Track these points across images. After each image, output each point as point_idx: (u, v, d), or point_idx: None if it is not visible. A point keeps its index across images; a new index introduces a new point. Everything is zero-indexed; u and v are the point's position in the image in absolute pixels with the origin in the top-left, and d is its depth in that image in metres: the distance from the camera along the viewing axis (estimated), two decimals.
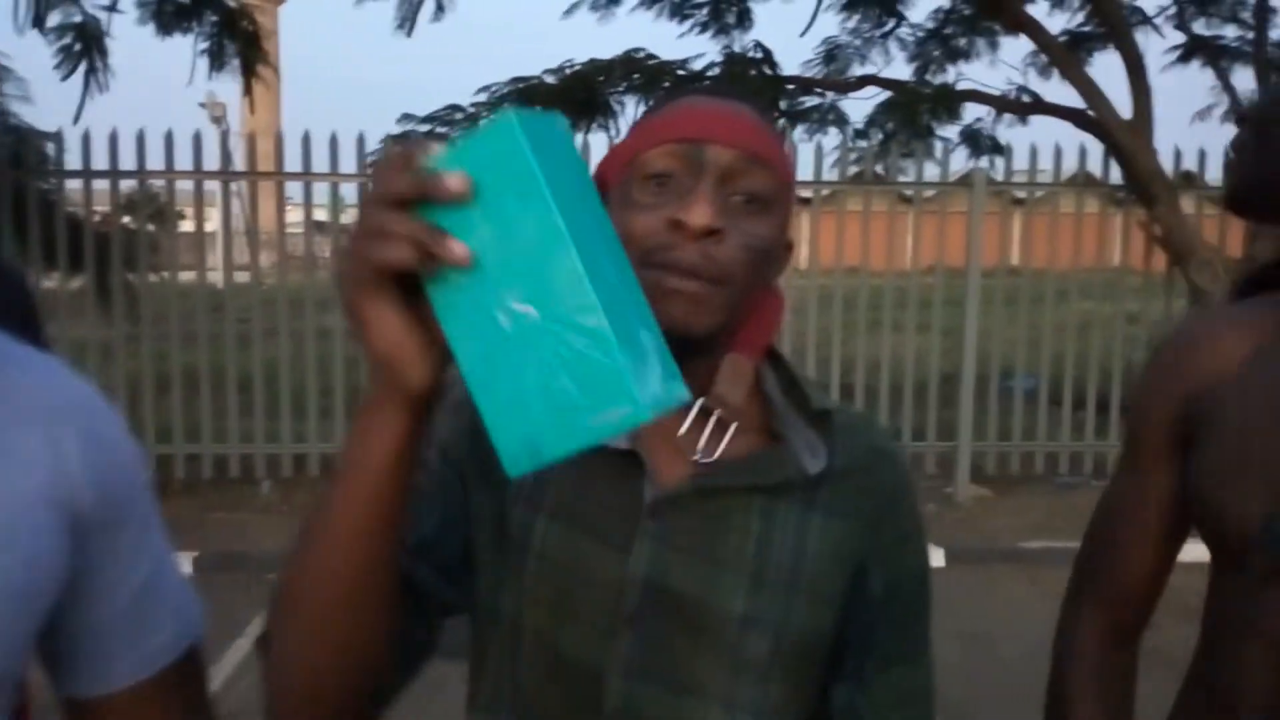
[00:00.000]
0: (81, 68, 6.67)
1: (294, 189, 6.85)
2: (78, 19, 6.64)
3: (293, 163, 6.50)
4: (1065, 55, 7.14)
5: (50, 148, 6.49)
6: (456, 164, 0.60)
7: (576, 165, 0.64)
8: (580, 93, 7.32)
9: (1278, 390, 0.96)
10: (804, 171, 6.75)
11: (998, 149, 7.52)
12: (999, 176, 7.06)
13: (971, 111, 7.70)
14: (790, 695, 0.89)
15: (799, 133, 7.95)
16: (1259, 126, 1.06)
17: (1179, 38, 7.98)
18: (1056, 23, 8.96)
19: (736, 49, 7.96)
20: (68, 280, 6.45)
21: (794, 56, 8.39)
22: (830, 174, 6.83)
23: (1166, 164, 6.65)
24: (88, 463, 0.79)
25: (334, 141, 6.45)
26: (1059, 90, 7.49)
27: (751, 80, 7.30)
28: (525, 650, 0.87)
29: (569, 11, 8.09)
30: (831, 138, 7.99)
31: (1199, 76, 8.05)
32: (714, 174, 0.82)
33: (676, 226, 0.80)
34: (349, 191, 6.87)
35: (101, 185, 6.41)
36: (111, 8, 6.71)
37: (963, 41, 8.37)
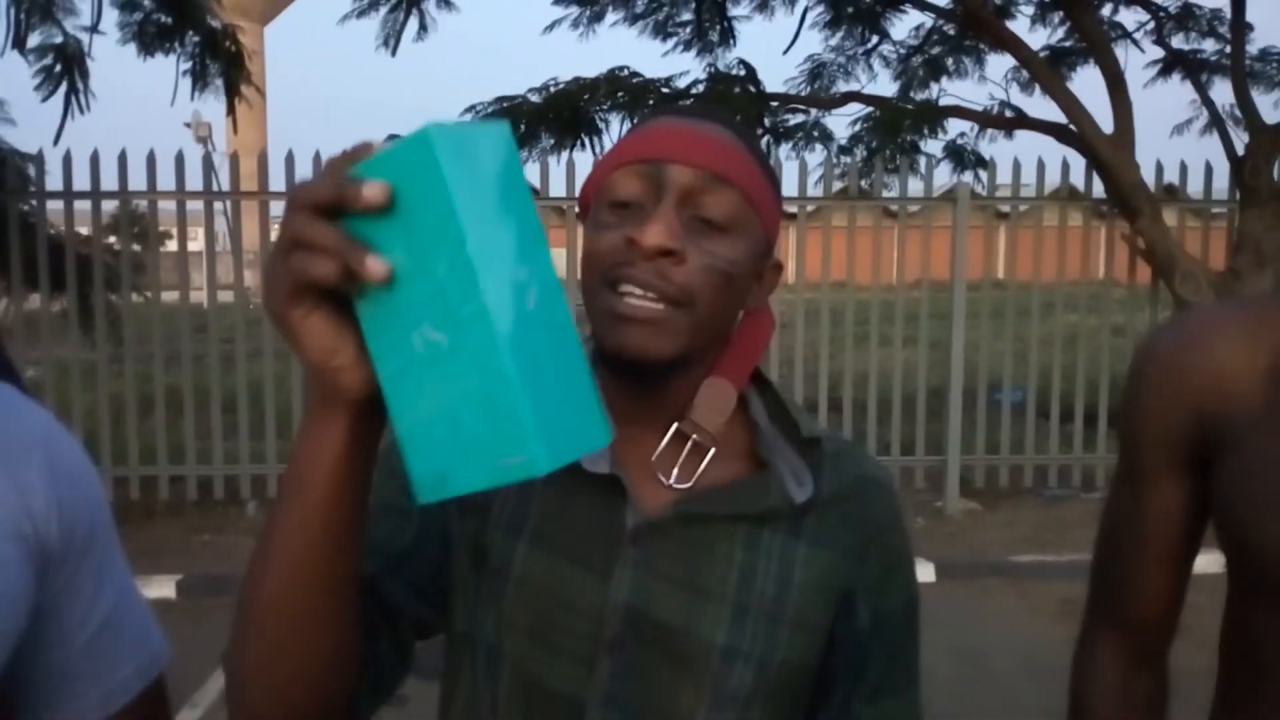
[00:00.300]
0: (62, 89, 6.65)
1: (278, 208, 6.82)
2: (58, 40, 6.62)
3: (277, 182, 6.48)
4: (1046, 71, 7.20)
5: (31, 169, 6.45)
6: (380, 174, 0.56)
7: (511, 183, 0.60)
8: (565, 111, 7.34)
9: None
10: (789, 187, 6.77)
11: (981, 163, 7.58)
12: (983, 191, 7.09)
13: (955, 127, 7.76)
14: None
15: (784, 149, 7.99)
16: None
17: (1158, 53, 8.07)
18: (1037, 38, 9.04)
19: (720, 67, 8.00)
20: (50, 302, 6.40)
21: (779, 74, 8.45)
22: (815, 190, 6.85)
23: (1148, 177, 6.70)
24: (51, 495, 0.78)
25: (317, 160, 6.42)
26: (1041, 105, 7.56)
27: (735, 98, 7.33)
28: (503, 677, 0.85)
29: (549, 28, 8.12)
30: (816, 154, 7.99)
31: (1179, 91, 8.14)
32: (674, 194, 0.80)
33: (632, 245, 0.79)
34: None
35: (83, 206, 6.37)
36: (93, 29, 6.70)
37: (947, 58, 8.44)
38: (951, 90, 8.07)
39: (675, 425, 0.87)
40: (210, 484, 6.55)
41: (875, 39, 8.39)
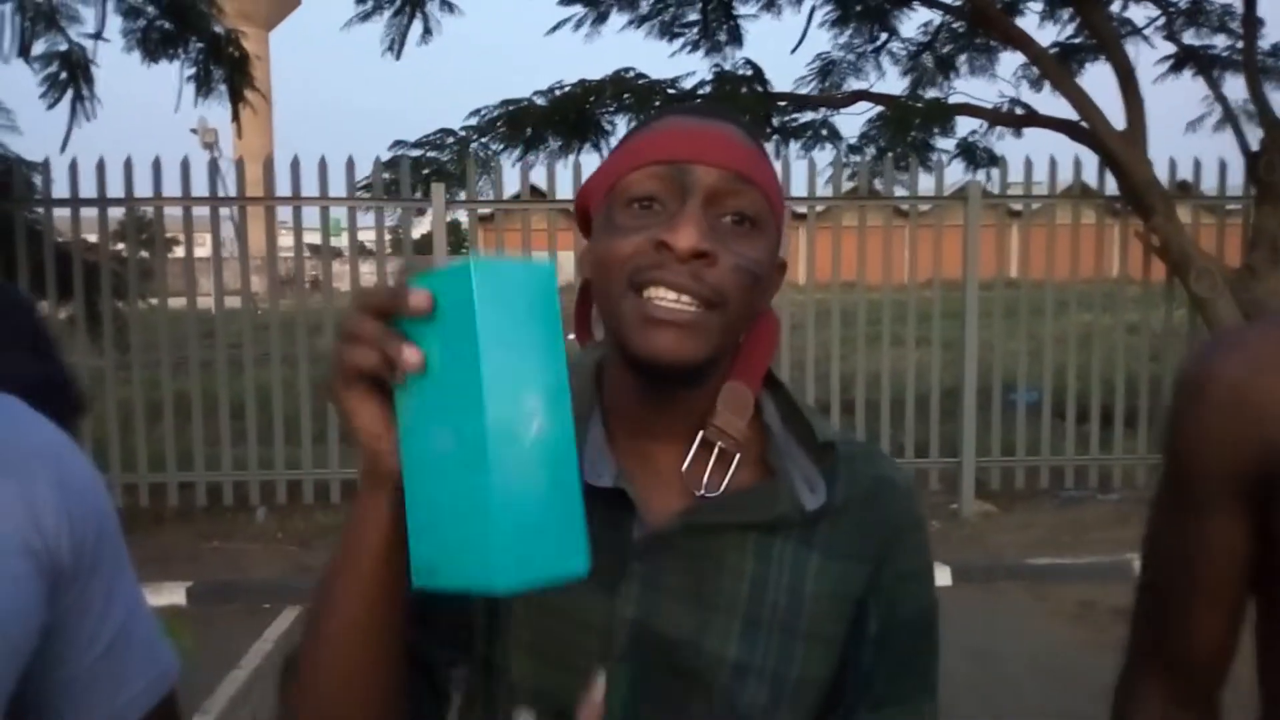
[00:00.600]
0: (68, 96, 6.65)
1: (284, 213, 6.81)
2: (63, 47, 6.63)
3: (282, 187, 6.46)
4: (1056, 67, 7.15)
5: (37, 177, 6.44)
6: (428, 287, 0.64)
7: (542, 317, 0.64)
8: (571, 114, 7.31)
9: None
10: (799, 187, 6.72)
11: (993, 161, 7.52)
12: (995, 189, 7.03)
13: (965, 125, 7.71)
14: None
15: (793, 149, 7.95)
16: None
17: (1169, 48, 8.01)
18: (1047, 35, 8.98)
19: (728, 67, 7.96)
20: (57, 309, 6.39)
21: (788, 73, 8.41)
22: (825, 190, 6.80)
23: (1161, 174, 6.65)
24: (61, 510, 0.77)
25: (323, 165, 6.41)
26: (1052, 102, 7.50)
27: (742, 98, 7.29)
28: (515, 697, 0.84)
29: (553, 30, 8.09)
30: (826, 154, 7.95)
31: (1191, 87, 8.07)
32: (700, 195, 0.79)
33: (663, 248, 0.77)
34: (339, 215, 6.84)
35: (90, 213, 6.36)
36: (97, 36, 6.70)
37: (956, 56, 8.40)
38: (961, 88, 8.02)
39: (701, 433, 0.85)
40: (219, 490, 6.53)
41: (884, 36, 8.35)
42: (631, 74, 7.45)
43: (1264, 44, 7.48)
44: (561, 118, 7.32)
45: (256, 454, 6.49)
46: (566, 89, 7.41)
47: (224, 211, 6.66)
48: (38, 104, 6.54)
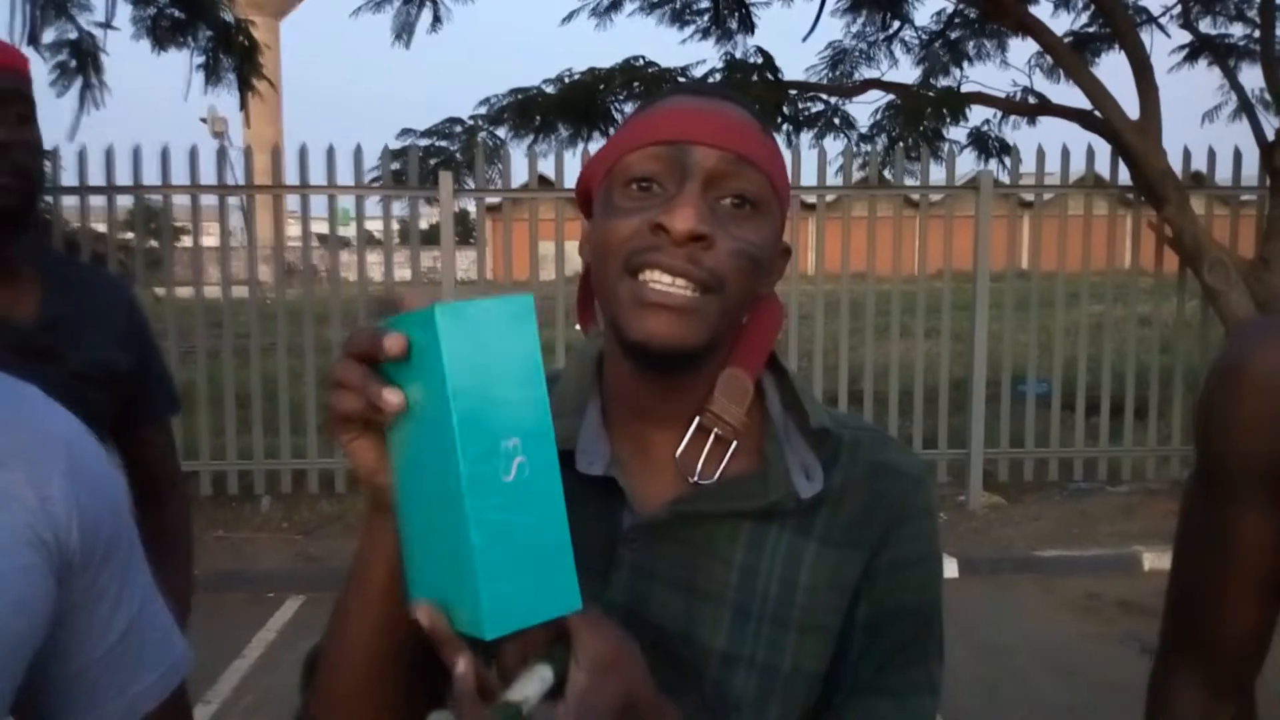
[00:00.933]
0: (77, 84, 6.65)
1: (292, 201, 6.80)
2: (73, 35, 6.63)
3: (291, 175, 6.45)
4: (1070, 56, 7.08)
5: (46, 165, 6.44)
6: (406, 329, 0.64)
7: (519, 356, 0.63)
8: (580, 102, 7.28)
9: None
10: (809, 177, 6.68)
11: (1006, 150, 7.45)
12: (1006, 179, 6.97)
13: (978, 114, 7.65)
14: None
15: (804, 138, 7.90)
16: None
17: (1185, 37, 7.92)
18: (1061, 24, 8.90)
19: (739, 55, 7.91)
20: None
21: (799, 61, 8.34)
22: (835, 179, 6.75)
23: (1175, 164, 6.57)
24: (72, 501, 0.77)
25: (331, 154, 6.39)
26: (1065, 91, 7.43)
27: (753, 86, 7.24)
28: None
29: (568, 18, 8.07)
30: (836, 143, 7.89)
31: (1206, 76, 7.98)
32: (700, 177, 0.77)
33: (660, 230, 0.76)
34: (347, 204, 6.83)
35: (98, 201, 6.36)
36: (107, 24, 6.69)
37: (968, 44, 8.33)
38: (974, 76, 7.95)
39: (697, 420, 0.84)
40: (224, 480, 6.54)
41: (896, 24, 8.29)
42: (641, 62, 7.41)
43: None
44: (571, 106, 7.29)
45: (262, 443, 6.49)
46: (576, 77, 7.38)
47: (232, 200, 6.66)
48: (46, 92, 6.56)
